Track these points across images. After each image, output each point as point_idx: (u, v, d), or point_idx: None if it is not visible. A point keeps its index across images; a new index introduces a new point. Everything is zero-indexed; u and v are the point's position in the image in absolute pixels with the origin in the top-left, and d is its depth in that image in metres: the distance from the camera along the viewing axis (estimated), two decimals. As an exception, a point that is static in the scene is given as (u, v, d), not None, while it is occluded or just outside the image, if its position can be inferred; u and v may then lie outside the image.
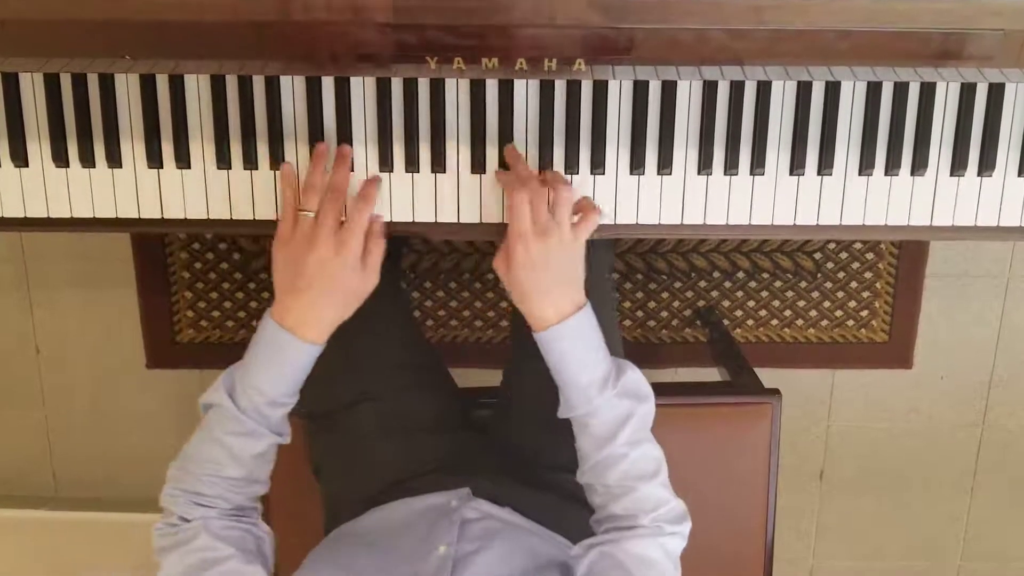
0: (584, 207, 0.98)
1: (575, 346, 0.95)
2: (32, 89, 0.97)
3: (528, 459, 1.13)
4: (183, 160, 0.99)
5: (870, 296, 1.86)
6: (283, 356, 0.94)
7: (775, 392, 1.35)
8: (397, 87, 0.97)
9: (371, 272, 0.96)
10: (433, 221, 1.02)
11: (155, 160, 0.99)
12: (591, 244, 1.00)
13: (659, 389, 1.33)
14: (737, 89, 0.97)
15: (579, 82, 0.97)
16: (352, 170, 0.99)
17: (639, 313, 1.86)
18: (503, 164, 0.99)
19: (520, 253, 0.93)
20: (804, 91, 0.98)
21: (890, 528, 2.05)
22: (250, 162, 0.99)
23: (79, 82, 0.97)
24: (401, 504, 1.03)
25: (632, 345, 1.86)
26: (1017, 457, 1.99)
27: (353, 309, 0.97)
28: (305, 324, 0.94)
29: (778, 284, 1.86)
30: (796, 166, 0.99)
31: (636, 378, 0.98)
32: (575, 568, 0.93)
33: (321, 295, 0.93)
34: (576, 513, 1.06)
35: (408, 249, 1.81)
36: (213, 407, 0.96)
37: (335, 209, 0.94)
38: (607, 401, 0.95)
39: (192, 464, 0.95)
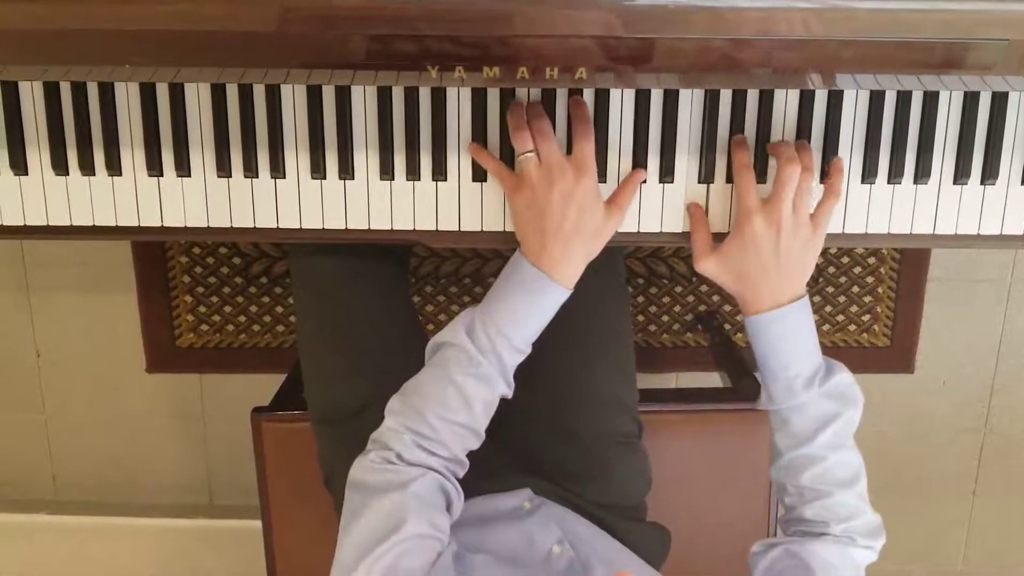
0: (827, 192, 0.96)
1: (785, 337, 0.93)
2: (32, 98, 0.97)
3: (544, 466, 1.13)
4: (183, 168, 0.98)
5: (872, 300, 1.86)
6: (535, 297, 0.92)
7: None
8: (398, 95, 0.97)
9: (618, 209, 0.95)
10: (434, 229, 1.01)
11: (155, 168, 0.98)
12: (607, 250, 1.00)
13: (659, 395, 1.34)
14: (740, 98, 0.97)
15: (581, 91, 0.96)
16: (352, 178, 0.99)
17: (640, 317, 1.86)
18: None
19: (747, 234, 0.92)
20: (807, 99, 0.97)
21: (892, 532, 2.03)
22: (250, 170, 0.99)
23: (79, 90, 0.97)
24: (468, 514, 1.00)
25: (637, 349, 1.85)
26: (1019, 462, 1.99)
27: (601, 246, 0.95)
28: (558, 265, 0.92)
29: (779, 288, 1.85)
30: (799, 174, 0.99)
31: (847, 380, 0.95)
32: (752, 566, 0.93)
33: (573, 233, 0.92)
34: (604, 517, 1.07)
35: (411, 252, 1.80)
36: (447, 346, 0.93)
37: (551, 142, 0.92)
38: (812, 399, 0.93)
39: (419, 400, 0.92)
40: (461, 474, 0.96)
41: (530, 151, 0.93)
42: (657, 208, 1.00)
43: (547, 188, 0.92)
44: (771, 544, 0.94)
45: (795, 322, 0.94)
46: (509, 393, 0.96)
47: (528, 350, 0.96)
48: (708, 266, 0.96)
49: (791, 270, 0.93)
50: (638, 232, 1.01)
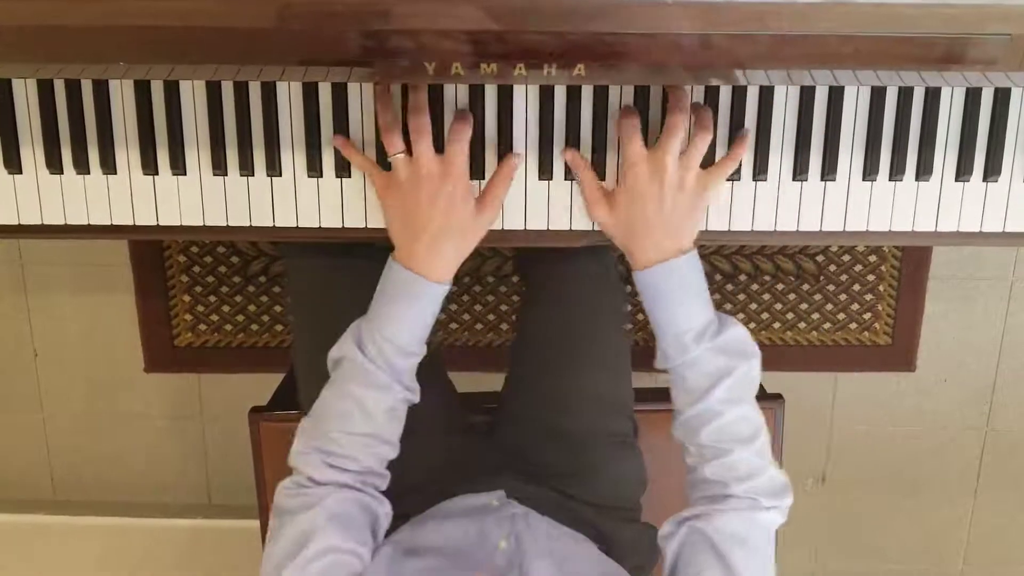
0: (727, 156, 0.95)
1: (672, 291, 0.92)
2: (25, 95, 0.96)
3: (538, 466, 1.12)
4: (179, 166, 0.98)
5: (873, 299, 1.85)
6: (411, 299, 0.92)
7: (778, 397, 1.35)
8: (395, 93, 0.96)
9: (488, 207, 0.95)
10: (432, 227, 1.00)
11: (150, 166, 0.98)
12: (595, 249, 0.99)
13: (657, 395, 1.32)
14: (739, 94, 0.96)
15: (579, 87, 0.95)
16: (349, 176, 0.98)
17: (640, 316, 1.85)
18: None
19: (631, 183, 0.92)
20: (807, 96, 0.97)
21: (892, 531, 2.04)
22: (246, 168, 0.98)
23: (73, 88, 0.96)
24: (437, 511, 1.00)
25: (634, 349, 1.85)
26: (1021, 461, 1.98)
27: (475, 243, 0.95)
28: (430, 265, 0.92)
29: (780, 287, 1.84)
30: (799, 172, 0.98)
31: (740, 334, 0.93)
32: (665, 547, 0.91)
33: (440, 233, 0.92)
34: (594, 518, 1.06)
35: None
36: (343, 360, 0.94)
37: (426, 140, 0.91)
38: (703, 353, 0.91)
39: (323, 420, 0.93)
40: (383, 486, 0.95)
41: (400, 152, 0.92)
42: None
43: (414, 189, 0.91)
44: (678, 522, 0.92)
45: (681, 276, 0.92)
46: (414, 398, 0.96)
47: (421, 351, 0.95)
48: (600, 214, 0.95)
49: (676, 223, 0.92)
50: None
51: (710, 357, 0.92)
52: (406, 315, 0.93)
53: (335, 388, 0.94)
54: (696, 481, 0.95)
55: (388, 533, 1.01)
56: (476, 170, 0.98)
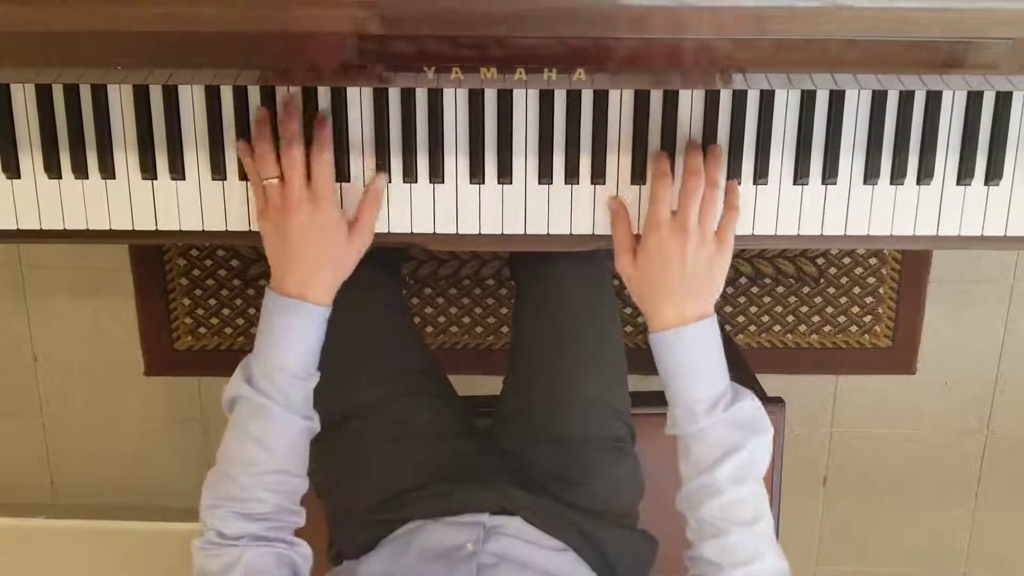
0: (726, 209, 0.95)
1: (689, 356, 0.91)
2: (24, 100, 0.96)
3: (533, 470, 1.11)
4: (177, 171, 0.97)
5: (873, 301, 1.85)
6: (293, 323, 0.92)
7: (778, 400, 1.34)
8: (394, 97, 0.96)
9: (361, 231, 0.95)
10: (431, 232, 1.00)
11: (149, 171, 0.98)
12: (593, 252, 0.99)
13: (655, 398, 1.31)
14: (740, 98, 0.96)
15: (579, 92, 0.95)
16: (348, 181, 0.98)
17: (640, 319, 1.85)
18: (503, 174, 0.98)
19: (652, 244, 0.91)
20: (808, 100, 0.96)
21: (893, 535, 2.04)
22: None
23: (71, 93, 0.95)
24: (411, 541, 0.98)
25: (632, 351, 1.84)
26: (1022, 464, 1.98)
27: (351, 267, 0.95)
28: (306, 287, 0.92)
29: (780, 289, 1.84)
30: (800, 175, 0.98)
31: (753, 408, 0.92)
32: None
33: (313, 258, 0.92)
34: (587, 524, 1.05)
35: (408, 256, 1.79)
36: (236, 400, 0.94)
37: (296, 167, 0.91)
38: (713, 425, 0.90)
39: (225, 465, 0.93)
40: (300, 522, 0.95)
41: (274, 177, 0.92)
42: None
43: (286, 217, 0.92)
44: None
45: (699, 341, 0.92)
46: (314, 427, 0.96)
47: (312, 376, 0.95)
48: (625, 264, 0.95)
49: (697, 286, 0.92)
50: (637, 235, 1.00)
51: (720, 430, 0.91)
52: (290, 340, 0.93)
53: (234, 431, 0.93)
54: (695, 557, 0.94)
55: (384, 535, 1.01)
56: (476, 175, 0.98)
